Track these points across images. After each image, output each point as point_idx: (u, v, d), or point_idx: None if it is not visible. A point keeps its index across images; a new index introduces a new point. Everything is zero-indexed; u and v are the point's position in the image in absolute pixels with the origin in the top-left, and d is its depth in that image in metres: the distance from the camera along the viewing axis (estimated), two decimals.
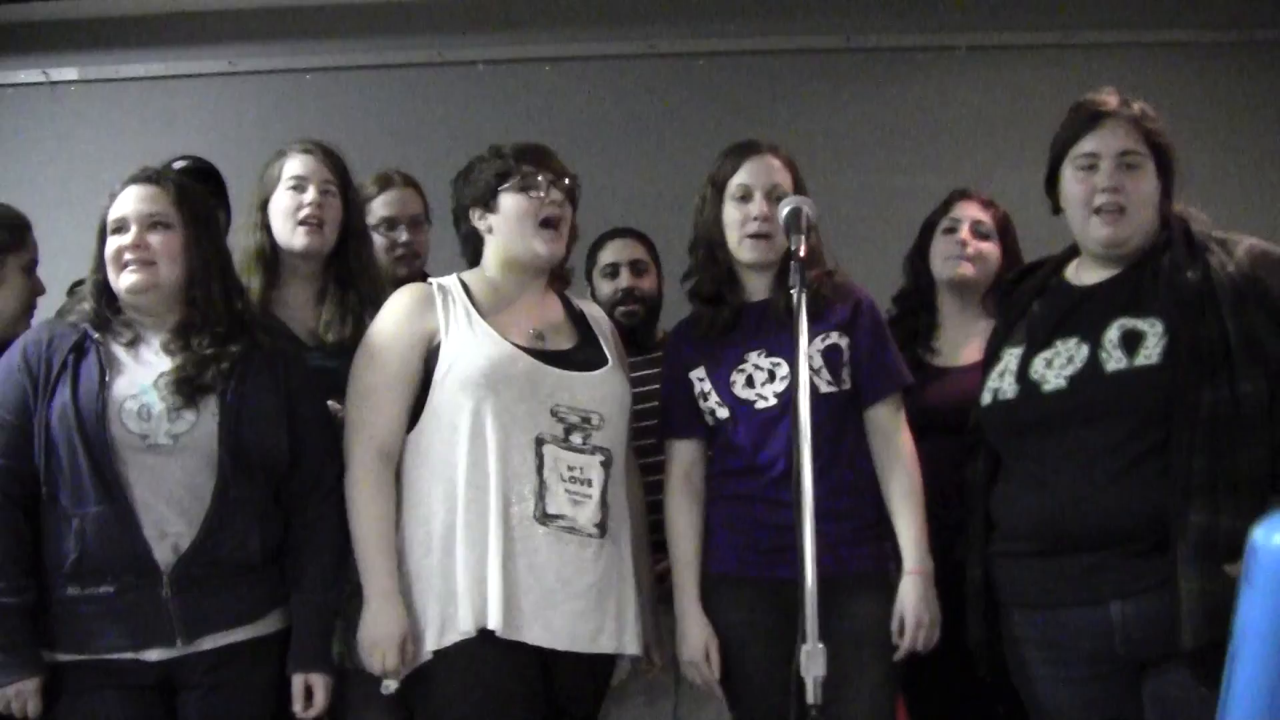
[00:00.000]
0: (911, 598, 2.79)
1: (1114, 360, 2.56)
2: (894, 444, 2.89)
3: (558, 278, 3.03)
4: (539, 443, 2.72)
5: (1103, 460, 2.53)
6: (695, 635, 2.89)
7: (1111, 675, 2.55)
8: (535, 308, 2.92)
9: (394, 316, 2.84)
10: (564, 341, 2.91)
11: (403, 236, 3.55)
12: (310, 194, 3.05)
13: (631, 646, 2.81)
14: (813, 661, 2.20)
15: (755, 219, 2.93)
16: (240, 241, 3.09)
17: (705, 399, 2.97)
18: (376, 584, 2.69)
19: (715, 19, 5.03)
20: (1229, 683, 0.97)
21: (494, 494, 2.68)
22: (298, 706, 2.69)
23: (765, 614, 2.81)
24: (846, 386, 2.90)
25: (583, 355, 2.89)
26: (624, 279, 3.69)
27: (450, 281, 2.90)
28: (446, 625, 2.67)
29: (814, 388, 2.79)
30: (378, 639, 2.66)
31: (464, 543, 2.67)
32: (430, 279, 2.95)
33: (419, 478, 2.76)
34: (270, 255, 3.08)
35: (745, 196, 2.96)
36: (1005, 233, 3.42)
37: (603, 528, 2.76)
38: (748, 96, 4.98)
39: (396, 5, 5.04)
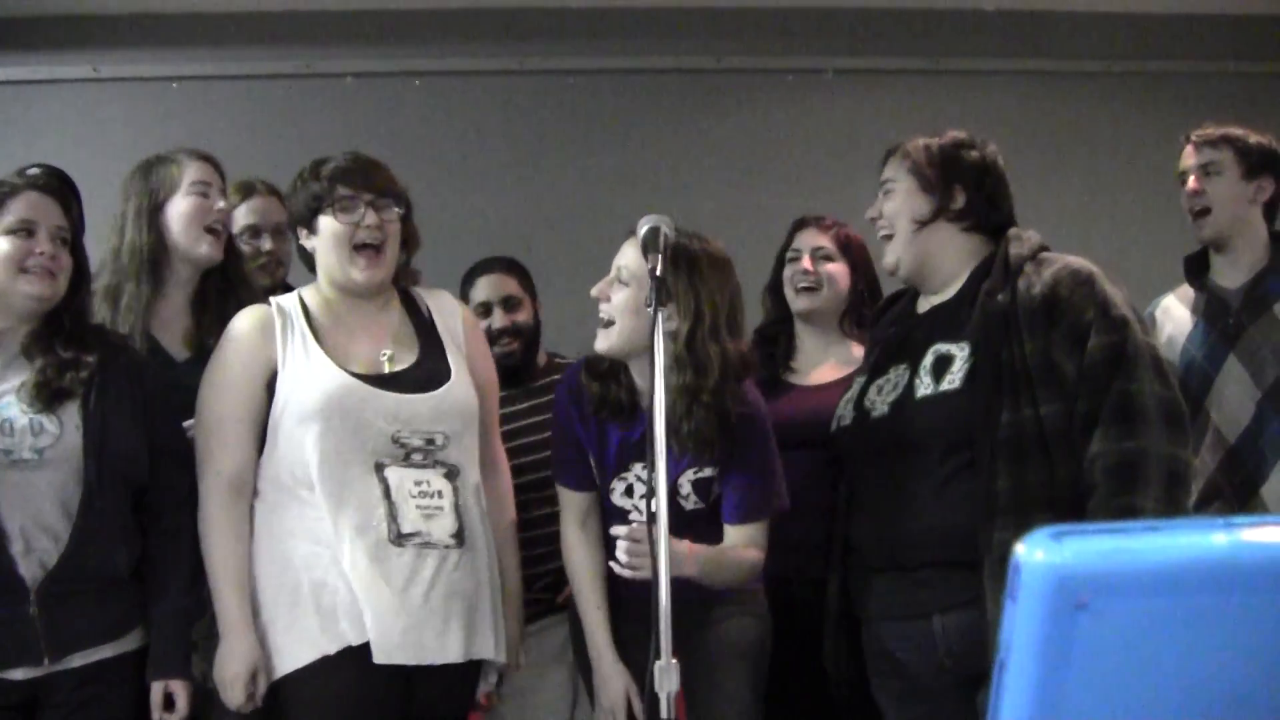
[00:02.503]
0: None
1: (924, 385, 2.62)
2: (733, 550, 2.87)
3: (401, 277, 2.99)
4: (379, 468, 2.70)
5: (917, 483, 2.60)
6: (615, 684, 2.88)
7: (947, 689, 2.61)
8: (374, 324, 2.87)
9: (234, 347, 2.80)
10: (406, 356, 2.85)
11: (266, 245, 3.51)
12: (220, 203, 3.05)
13: (486, 651, 2.76)
14: (666, 678, 2.21)
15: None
16: (124, 244, 3.03)
17: None
18: (228, 618, 2.68)
19: (587, 37, 5.04)
20: (996, 695, 1.01)
21: (347, 522, 2.67)
22: (157, 715, 2.65)
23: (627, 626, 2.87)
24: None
25: (423, 372, 2.83)
26: (497, 318, 3.56)
27: (290, 302, 2.86)
28: (306, 644, 2.66)
29: (679, 506, 2.82)
30: (230, 676, 2.65)
31: (327, 567, 2.67)
32: (274, 297, 2.91)
33: (275, 502, 2.75)
34: (160, 260, 3.03)
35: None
36: (849, 250, 3.40)
37: (459, 538, 2.74)
38: (619, 115, 5.00)
39: (266, 15, 4.97)
